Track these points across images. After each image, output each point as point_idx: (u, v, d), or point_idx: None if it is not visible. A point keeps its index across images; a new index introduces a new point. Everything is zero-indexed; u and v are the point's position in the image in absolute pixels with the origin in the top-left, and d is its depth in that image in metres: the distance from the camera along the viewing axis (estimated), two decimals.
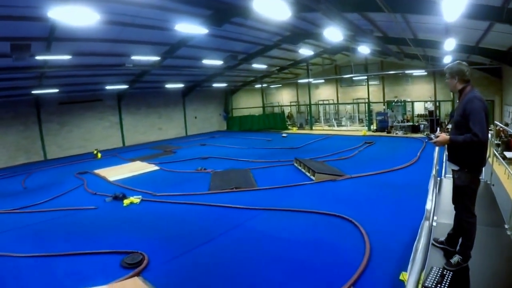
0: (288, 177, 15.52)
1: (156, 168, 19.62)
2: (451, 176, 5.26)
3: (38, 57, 16.39)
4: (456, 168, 4.99)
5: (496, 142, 15.06)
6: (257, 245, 8.69)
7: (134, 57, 20.27)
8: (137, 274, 7.32)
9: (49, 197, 14.85)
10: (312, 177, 14.96)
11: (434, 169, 5.66)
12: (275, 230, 9.52)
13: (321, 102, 41.95)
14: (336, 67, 39.81)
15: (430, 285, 4.20)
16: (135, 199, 13.21)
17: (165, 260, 8.09)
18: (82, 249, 8.89)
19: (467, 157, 4.78)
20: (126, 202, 12.98)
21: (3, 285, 7.49)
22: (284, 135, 25.76)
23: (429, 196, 4.33)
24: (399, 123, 29.44)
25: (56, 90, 24.29)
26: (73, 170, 20.41)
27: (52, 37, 15.44)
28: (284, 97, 47.00)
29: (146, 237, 9.62)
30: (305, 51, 26.34)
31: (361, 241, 8.23)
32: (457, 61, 5.12)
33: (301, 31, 20.94)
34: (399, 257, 7.32)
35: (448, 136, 4.90)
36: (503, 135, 16.99)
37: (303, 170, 16.30)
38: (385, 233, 8.65)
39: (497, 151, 12.68)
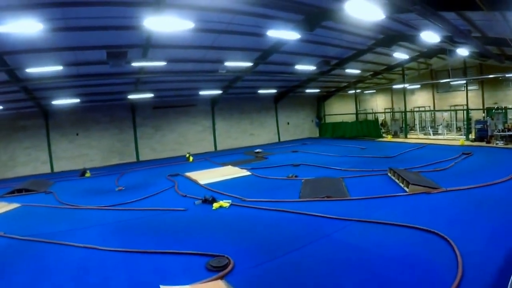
0: (381, 188, 14.94)
1: (248, 173, 19.76)
2: None
3: (134, 64, 17.22)
4: None
5: None
6: (345, 257, 8.40)
7: (227, 63, 20.70)
8: (221, 278, 7.33)
9: (141, 196, 15.60)
10: (406, 188, 14.30)
11: None
12: (365, 243, 9.17)
13: (416, 109, 40.33)
14: (432, 71, 38.21)
15: None
16: (225, 203, 13.37)
17: (250, 266, 8.05)
18: (169, 249, 9.16)
19: None
20: (215, 205, 13.16)
21: (87, 275, 7.94)
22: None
23: None
24: (499, 132, 27.39)
25: (151, 95, 25.56)
26: (165, 172, 21.27)
27: (148, 44, 16.22)
28: (378, 103, 45.82)
29: (233, 241, 9.66)
30: (399, 55, 25.51)
31: (454, 261, 7.64)
32: None
33: (395, 33, 20.25)
34: (493, 282, 6.73)
35: None
36: None
37: (397, 180, 15.66)
38: (480, 254, 7.93)
39: None
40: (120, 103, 27.00)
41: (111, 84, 22.27)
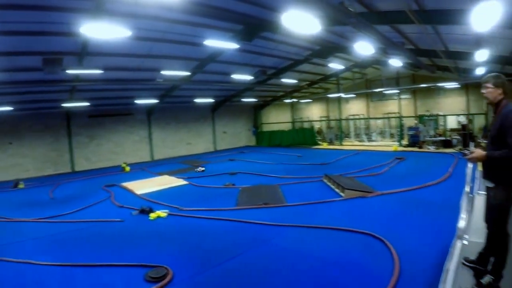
0: (317, 194, 15.26)
1: (184, 182, 19.61)
2: (484, 193, 5.06)
3: (70, 71, 16.71)
4: (491, 185, 4.79)
5: None
6: (284, 262, 8.50)
7: (164, 72, 20.50)
8: None
9: (76, 208, 15.03)
10: (341, 193, 14.70)
11: (467, 186, 5.44)
12: (303, 247, 9.33)
13: (351, 117, 41.52)
14: (366, 81, 39.58)
15: None
16: (162, 213, 13.16)
17: (189, 275, 7.97)
18: (106, 261, 8.89)
19: (503, 173, 4.58)
20: (152, 216, 12.94)
21: None
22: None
23: (462, 214, 4.15)
24: (431, 137, 28.88)
25: (86, 104, 24.80)
26: (101, 183, 20.65)
27: (84, 52, 15.83)
28: (314, 112, 46.79)
29: (171, 251, 9.55)
30: (335, 65, 26.22)
31: (391, 260, 7.97)
32: (497, 73, 4.96)
33: (332, 45, 20.85)
34: (428, 276, 7.05)
35: (484, 152, 4.71)
36: None
37: (332, 186, 16.06)
38: (415, 252, 8.36)
39: None
40: (55, 111, 26.00)
41: (46, 92, 21.45)
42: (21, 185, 21.78)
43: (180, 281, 7.70)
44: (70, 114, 27.18)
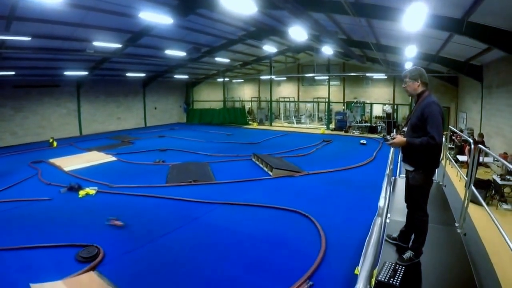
0: (246, 172, 15.64)
1: (113, 159, 19.33)
2: (405, 176, 5.42)
3: None
4: (410, 168, 5.14)
5: (449, 146, 15.65)
6: (215, 239, 8.73)
7: (95, 43, 19.74)
8: (93, 268, 7.21)
9: (1, 187, 14.18)
10: (270, 172, 15.13)
11: (388, 168, 5.81)
12: (233, 224, 9.60)
13: (282, 99, 42.11)
14: (299, 66, 40.22)
15: (383, 279, 4.31)
16: (91, 190, 12.98)
17: (121, 254, 8.00)
18: (35, 243, 8.63)
19: (422, 158, 4.92)
20: (81, 193, 12.72)
21: None
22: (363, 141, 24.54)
23: (382, 194, 4.45)
24: (357, 123, 30.01)
25: (12, 73, 23.38)
26: (27, 159, 19.56)
27: (12, 16, 14.86)
28: (246, 92, 46.95)
29: (101, 230, 9.48)
30: (269, 48, 26.35)
31: (317, 236, 8.39)
32: (416, 67, 5.29)
33: (266, 28, 21.01)
34: (354, 252, 7.52)
35: (405, 138, 5.02)
36: (457, 140, 17.63)
37: (261, 165, 16.43)
38: (340, 229, 8.86)
39: (450, 155, 13.18)
40: None
41: None
42: None
43: (111, 259, 7.73)
44: None
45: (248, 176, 14.73)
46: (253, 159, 17.73)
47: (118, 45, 20.96)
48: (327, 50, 22.38)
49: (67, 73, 26.25)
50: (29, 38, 16.65)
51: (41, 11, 14.40)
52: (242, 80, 44.91)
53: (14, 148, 24.49)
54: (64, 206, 11.72)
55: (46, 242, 8.64)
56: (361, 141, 20.41)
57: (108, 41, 19.54)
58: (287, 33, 17.93)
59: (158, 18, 14.25)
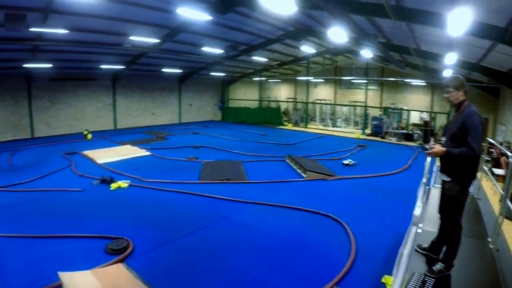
0: (279, 173, 15.51)
1: (147, 153, 19.53)
2: (440, 186, 5.27)
3: (33, 29, 16.02)
4: (447, 179, 5.00)
5: (486, 158, 15.21)
6: (244, 238, 8.68)
7: (133, 38, 19.95)
8: (121, 261, 7.27)
9: (35, 176, 14.54)
10: (303, 174, 14.97)
11: (425, 177, 5.65)
12: (263, 225, 9.51)
13: (318, 101, 41.73)
14: (336, 68, 39.66)
15: None
16: (123, 183, 13.13)
17: (150, 248, 8.04)
18: (65, 232, 8.78)
19: (460, 169, 4.78)
20: (113, 186, 12.89)
21: None
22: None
23: (418, 203, 4.32)
24: (393, 129, 29.42)
25: (49, 65, 23.72)
26: (61, 150, 20.07)
27: (49, 9, 15.08)
28: (282, 93, 46.63)
29: (132, 223, 9.57)
30: (307, 49, 26.13)
31: (347, 242, 8.24)
32: (456, 75, 5.12)
33: (305, 28, 20.82)
34: (382, 260, 7.36)
35: (444, 148, 4.89)
36: (494, 152, 17.11)
37: (294, 167, 16.29)
38: (370, 236, 8.67)
39: (486, 167, 12.79)
40: (15, 72, 24.81)
41: (6, 50, 20.53)
42: None
43: (140, 253, 7.77)
44: (31, 76, 25.93)
45: (281, 177, 14.62)
46: (287, 161, 17.58)
47: (156, 40, 21.10)
48: (366, 53, 22.01)
49: (103, 66, 26.62)
50: (66, 31, 16.90)
51: (78, 5, 14.59)
52: (279, 80, 44.74)
53: (48, 139, 25.16)
54: (95, 198, 11.90)
55: (76, 232, 8.77)
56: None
57: (146, 36, 19.68)
58: (326, 34, 17.70)
59: (196, 15, 14.28)
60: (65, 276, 6.42)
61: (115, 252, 7.66)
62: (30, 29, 15.65)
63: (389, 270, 6.38)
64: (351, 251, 7.73)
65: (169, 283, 6.66)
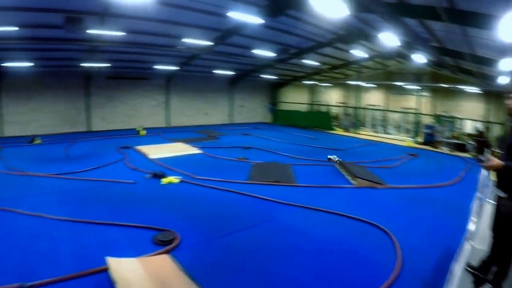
0: (327, 178, 15.31)
1: (198, 151, 19.89)
2: (495, 202, 5.01)
3: (91, 31, 16.68)
4: (504, 195, 4.71)
5: None
6: (289, 241, 8.64)
7: (186, 40, 20.44)
8: (167, 252, 7.44)
9: (90, 166, 15.44)
10: (352, 181, 14.73)
11: (479, 192, 5.42)
12: (309, 229, 9.43)
13: (369, 107, 41.10)
14: (388, 73, 38.81)
15: None
16: (174, 179, 13.43)
17: (196, 242, 8.19)
18: (116, 220, 9.19)
19: None
20: (164, 180, 13.21)
21: (34, 243, 7.90)
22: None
23: (473, 218, 4.17)
24: (446, 139, 28.41)
25: (106, 65, 25.00)
26: (116, 144, 21.09)
27: (106, 12, 15.78)
28: (332, 97, 46.06)
29: (180, 217, 9.77)
30: (358, 53, 25.88)
31: (393, 253, 8.04)
32: None
33: (357, 32, 20.55)
34: (428, 274, 7.14)
35: (502, 162, 4.60)
36: None
37: (343, 172, 16.08)
38: (418, 249, 8.37)
39: None
40: (74, 70, 26.18)
41: (66, 50, 21.54)
42: (38, 141, 22.16)
43: (186, 246, 7.93)
44: (89, 74, 27.43)
45: (329, 182, 14.43)
46: (336, 166, 17.38)
47: (208, 43, 21.45)
48: (418, 58, 21.55)
49: (157, 67, 27.57)
50: (122, 33, 17.58)
51: (133, 9, 15.10)
52: (330, 84, 44.38)
53: (104, 133, 26.61)
54: (146, 190, 12.32)
55: (126, 221, 9.14)
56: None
57: (198, 38, 20.11)
58: (377, 38, 17.47)
59: (248, 18, 14.43)
60: (112, 261, 6.72)
61: (162, 243, 7.88)
62: (89, 31, 16.35)
63: (434, 285, 6.25)
64: (396, 263, 7.54)
65: (213, 279, 6.74)
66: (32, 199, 11.06)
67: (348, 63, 33.77)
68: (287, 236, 8.96)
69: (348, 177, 15.27)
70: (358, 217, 10.32)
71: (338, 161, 17.36)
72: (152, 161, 16.93)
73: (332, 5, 10.01)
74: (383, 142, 29.75)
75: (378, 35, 15.99)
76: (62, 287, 6.23)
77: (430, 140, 28.80)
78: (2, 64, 22.40)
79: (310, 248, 8.27)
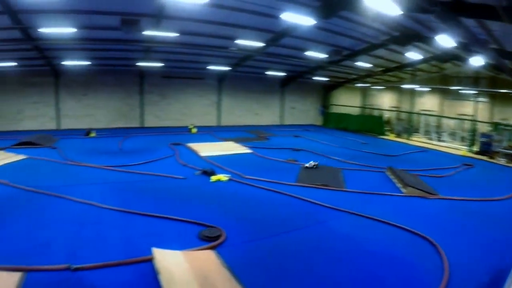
0: (378, 185, 14.94)
1: (248, 151, 20.08)
2: None
3: (146, 33, 17.26)
4: None
5: None
6: (334, 246, 8.56)
7: (238, 41, 20.70)
8: (213, 248, 7.52)
9: (142, 160, 16.11)
10: (403, 189, 14.29)
11: None
12: (356, 236, 9.28)
13: (423, 112, 39.95)
14: (443, 77, 37.54)
15: None
16: (223, 177, 13.62)
17: (242, 241, 8.25)
18: (164, 214, 9.46)
19: None
20: (214, 178, 13.42)
21: (83, 229, 8.33)
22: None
23: None
24: (504, 149, 26.68)
25: (160, 64, 25.95)
26: (167, 140, 21.84)
27: (161, 15, 16.31)
28: (385, 101, 45.31)
29: (228, 215, 9.88)
30: (412, 55, 25.30)
31: (441, 269, 7.72)
32: None
33: (411, 32, 20.06)
34: None
35: None
36: None
37: (394, 180, 15.69)
38: (467, 267, 7.95)
39: None
40: (129, 69, 27.50)
41: (122, 50, 22.51)
42: (93, 134, 23.36)
43: (231, 244, 8.00)
44: (144, 73, 28.77)
45: (379, 189, 14.02)
46: (387, 173, 16.93)
47: (260, 44, 21.60)
48: (476, 61, 20.75)
49: (210, 67, 28.21)
50: (177, 35, 18.07)
51: (187, 11, 15.45)
52: (382, 87, 43.61)
53: (156, 129, 27.80)
54: (195, 187, 12.60)
55: (174, 215, 9.38)
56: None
57: (251, 39, 20.37)
58: (433, 39, 17.01)
59: (300, 19, 14.39)
60: (158, 252, 6.89)
61: (208, 239, 7.99)
62: (144, 33, 16.90)
63: None
64: (443, 279, 7.18)
65: (257, 279, 6.74)
66: (85, 188, 11.71)
67: (402, 66, 32.87)
68: (334, 241, 8.87)
69: (399, 185, 14.87)
70: (407, 228, 9.94)
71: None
72: (203, 158, 17.30)
73: (384, 4, 9.87)
74: (437, 149, 28.59)
75: (434, 36, 15.56)
76: (108, 273, 6.47)
77: (486, 149, 26.83)
78: (59, 63, 23.52)
79: (358, 255, 8.14)
